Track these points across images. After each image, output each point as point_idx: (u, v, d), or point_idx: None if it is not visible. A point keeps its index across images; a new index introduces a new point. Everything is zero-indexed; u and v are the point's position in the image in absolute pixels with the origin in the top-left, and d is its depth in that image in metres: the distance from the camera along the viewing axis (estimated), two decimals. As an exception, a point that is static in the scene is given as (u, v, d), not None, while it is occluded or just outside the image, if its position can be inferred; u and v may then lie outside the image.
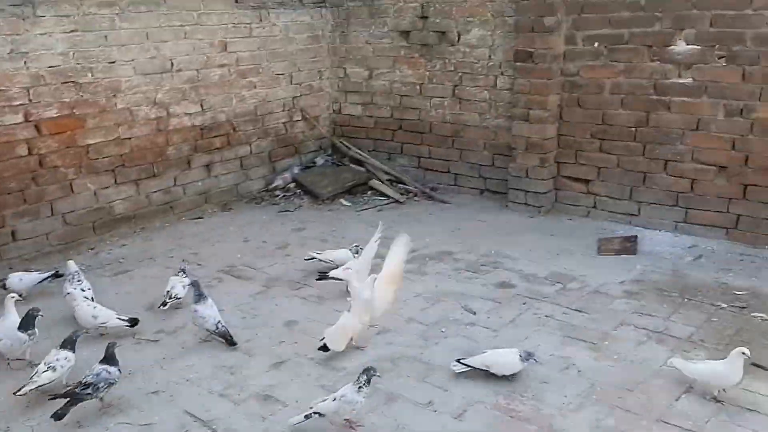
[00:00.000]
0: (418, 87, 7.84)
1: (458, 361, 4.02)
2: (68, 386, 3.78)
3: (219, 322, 4.49)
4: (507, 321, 4.71)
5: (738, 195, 5.86)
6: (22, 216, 5.88)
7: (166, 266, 5.83)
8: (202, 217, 7.14)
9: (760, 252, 5.68)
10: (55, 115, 5.96)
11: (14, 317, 4.29)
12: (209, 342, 4.53)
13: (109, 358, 3.81)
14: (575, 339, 4.40)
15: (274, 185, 7.98)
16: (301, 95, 8.25)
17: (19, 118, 5.73)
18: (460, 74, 7.46)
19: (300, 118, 8.31)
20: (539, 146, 6.81)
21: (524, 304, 4.94)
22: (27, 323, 4.21)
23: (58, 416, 3.57)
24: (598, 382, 3.90)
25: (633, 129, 6.35)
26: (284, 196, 7.84)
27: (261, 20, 7.58)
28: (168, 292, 4.96)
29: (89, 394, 3.67)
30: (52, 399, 3.69)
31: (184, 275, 5.11)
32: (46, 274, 5.25)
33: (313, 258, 5.56)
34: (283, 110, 8.10)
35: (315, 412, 3.50)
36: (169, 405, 3.87)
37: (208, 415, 3.77)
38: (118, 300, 5.16)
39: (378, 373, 3.61)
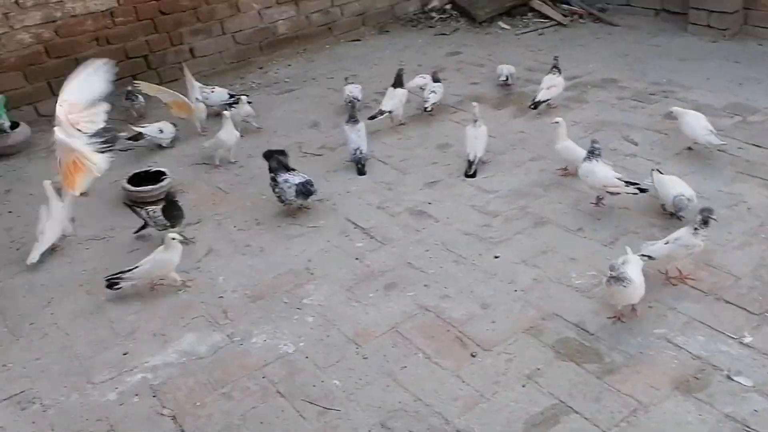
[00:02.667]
0: None
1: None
2: None
3: (358, 149, 4.63)
4: (672, 153, 4.47)
5: None
6: (198, 34, 6.28)
7: (327, 87, 6.07)
8: (359, 40, 7.18)
9: None
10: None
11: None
12: (369, 159, 4.74)
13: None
14: (748, 175, 4.11)
15: (430, 6, 7.76)
16: None
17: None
18: None
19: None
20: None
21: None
22: None
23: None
24: (768, 220, 3.69)
25: None
26: (440, 18, 7.62)
27: None
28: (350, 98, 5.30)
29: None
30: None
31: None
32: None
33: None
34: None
35: (644, 255, 3.22)
36: (333, 212, 4.25)
37: (367, 223, 4.10)
38: (286, 117, 5.54)
39: (714, 216, 3.17)
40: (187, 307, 3.50)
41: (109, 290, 3.56)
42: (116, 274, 3.54)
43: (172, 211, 3.94)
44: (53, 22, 5.49)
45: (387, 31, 7.40)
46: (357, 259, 3.79)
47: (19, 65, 5.45)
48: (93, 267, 3.86)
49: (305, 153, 4.99)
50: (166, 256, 3.55)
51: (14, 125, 5.22)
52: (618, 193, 3.83)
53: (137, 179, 4.49)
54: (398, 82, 5.24)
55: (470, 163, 4.51)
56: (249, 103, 5.31)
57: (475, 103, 4.74)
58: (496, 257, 3.68)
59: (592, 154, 3.88)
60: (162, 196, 4.36)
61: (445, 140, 5.02)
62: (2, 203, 4.57)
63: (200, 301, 3.53)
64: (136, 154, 5.05)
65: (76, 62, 5.62)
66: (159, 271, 3.57)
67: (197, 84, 5.42)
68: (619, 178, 3.81)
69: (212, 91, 5.53)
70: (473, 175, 4.49)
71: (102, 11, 5.69)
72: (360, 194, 4.42)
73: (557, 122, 4.32)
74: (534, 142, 4.86)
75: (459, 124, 5.20)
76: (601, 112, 5.17)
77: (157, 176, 4.53)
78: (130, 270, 3.52)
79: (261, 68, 6.54)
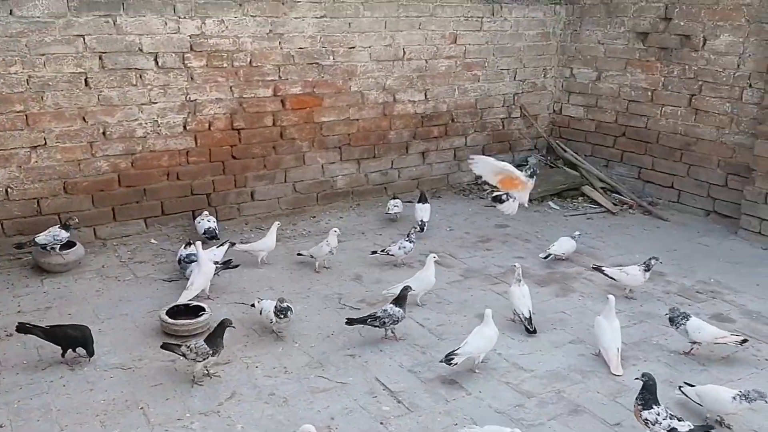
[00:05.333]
0: (649, 93, 7.39)
1: (680, 388, 3.82)
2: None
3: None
4: (719, 357, 4.31)
5: None
6: (261, 179, 6.64)
7: (374, 242, 6.21)
8: (411, 201, 7.42)
9: None
10: (299, 92, 6.61)
11: None
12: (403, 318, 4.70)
13: (402, 300, 4.44)
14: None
15: (484, 179, 8.04)
16: (522, 92, 8.21)
17: (269, 92, 6.45)
18: (700, 83, 6.89)
19: (518, 115, 8.28)
20: (786, 170, 6.06)
21: (742, 343, 4.47)
22: None
23: (349, 322, 4.40)
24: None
25: None
26: (492, 190, 7.87)
27: (493, 14, 7.65)
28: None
29: (376, 325, 4.40)
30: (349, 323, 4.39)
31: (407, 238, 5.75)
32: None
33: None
34: (503, 106, 8.14)
35: None
36: (363, 369, 4.16)
37: (396, 386, 3.99)
38: (330, 267, 5.64)
39: None
40: (200, 451, 3.37)
41: None
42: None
43: (217, 338, 3.94)
44: (132, 154, 5.91)
45: (439, 197, 7.67)
46: (381, 423, 3.65)
47: (90, 189, 5.80)
48: (113, 397, 3.79)
49: (344, 305, 5.00)
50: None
51: (70, 244, 5.41)
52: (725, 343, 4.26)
53: (175, 312, 4.54)
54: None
55: (528, 320, 4.62)
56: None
57: (517, 264, 4.87)
58: (527, 442, 3.49)
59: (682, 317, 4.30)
60: (197, 332, 4.41)
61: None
62: (40, 320, 4.58)
63: (214, 448, 3.41)
64: (176, 286, 5.14)
65: (144, 193, 6.05)
66: None
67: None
68: None
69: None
70: (535, 331, 4.58)
71: (179, 149, 6.12)
72: (392, 354, 4.34)
73: (608, 298, 4.39)
74: (575, 324, 4.78)
75: (500, 295, 5.18)
76: (645, 303, 5.10)
77: (195, 311, 4.59)
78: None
79: (314, 217, 6.79)
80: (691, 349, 4.32)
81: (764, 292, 5.24)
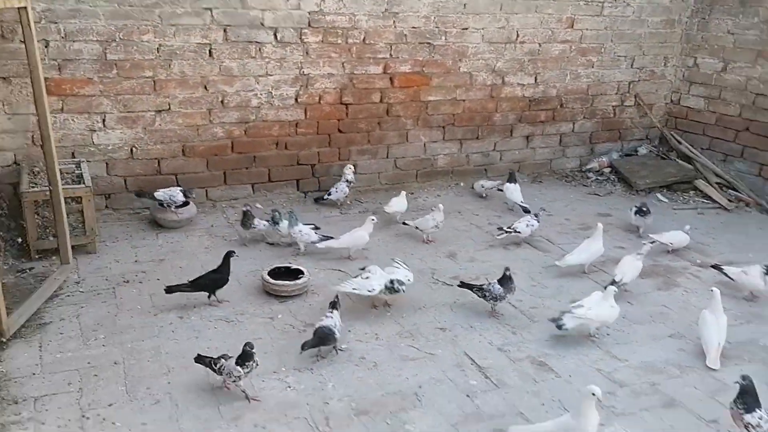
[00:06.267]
0: (780, 86, 6.90)
1: None
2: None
3: None
4: (835, 365, 4.02)
5: None
6: (364, 154, 6.80)
7: (470, 222, 6.21)
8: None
9: None
10: (408, 71, 6.69)
11: None
12: (504, 297, 4.62)
13: (506, 279, 4.52)
14: None
15: (588, 167, 7.85)
16: (638, 80, 7.89)
17: (379, 69, 6.56)
18: (840, 77, 6.36)
19: (632, 103, 7.96)
20: None
21: None
22: None
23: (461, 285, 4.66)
24: None
25: None
26: (596, 179, 7.65)
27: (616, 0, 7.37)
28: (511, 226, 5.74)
29: (479, 295, 4.54)
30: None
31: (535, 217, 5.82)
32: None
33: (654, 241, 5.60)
34: (616, 93, 7.85)
35: None
36: (453, 343, 4.21)
37: (485, 362, 4.01)
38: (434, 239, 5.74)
39: None
40: (292, 406, 3.54)
41: None
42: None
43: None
44: (246, 123, 6.21)
45: (540, 182, 7.54)
46: (468, 396, 3.69)
47: (205, 153, 6.15)
48: (216, 346, 4.01)
49: (437, 280, 5.06)
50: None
51: (184, 204, 5.76)
52: None
53: (276, 273, 4.77)
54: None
55: (614, 281, 4.73)
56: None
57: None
58: (616, 432, 3.42)
59: None
60: (296, 293, 4.61)
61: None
62: (153, 270, 4.99)
63: (306, 402, 3.57)
64: (277, 249, 5.40)
65: (253, 160, 6.35)
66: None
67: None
68: None
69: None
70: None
71: (289, 121, 6.37)
72: (483, 332, 4.36)
73: (712, 291, 4.28)
74: (677, 319, 4.61)
75: (597, 284, 5.05)
76: (754, 304, 4.82)
77: (295, 273, 4.79)
78: None
79: (412, 194, 6.84)
80: None
81: None
